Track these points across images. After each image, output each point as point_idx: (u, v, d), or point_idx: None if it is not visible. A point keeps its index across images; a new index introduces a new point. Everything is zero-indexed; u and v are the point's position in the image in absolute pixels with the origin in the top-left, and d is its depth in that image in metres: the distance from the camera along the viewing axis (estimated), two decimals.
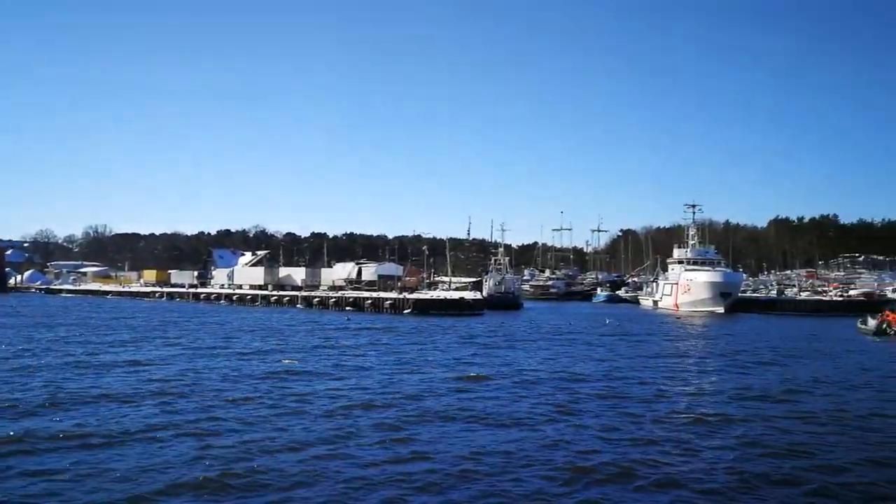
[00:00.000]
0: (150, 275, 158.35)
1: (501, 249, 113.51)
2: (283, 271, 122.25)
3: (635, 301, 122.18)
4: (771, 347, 44.68)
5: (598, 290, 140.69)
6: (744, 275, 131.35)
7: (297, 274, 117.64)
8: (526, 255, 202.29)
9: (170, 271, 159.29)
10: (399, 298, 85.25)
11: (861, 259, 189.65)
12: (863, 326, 57.30)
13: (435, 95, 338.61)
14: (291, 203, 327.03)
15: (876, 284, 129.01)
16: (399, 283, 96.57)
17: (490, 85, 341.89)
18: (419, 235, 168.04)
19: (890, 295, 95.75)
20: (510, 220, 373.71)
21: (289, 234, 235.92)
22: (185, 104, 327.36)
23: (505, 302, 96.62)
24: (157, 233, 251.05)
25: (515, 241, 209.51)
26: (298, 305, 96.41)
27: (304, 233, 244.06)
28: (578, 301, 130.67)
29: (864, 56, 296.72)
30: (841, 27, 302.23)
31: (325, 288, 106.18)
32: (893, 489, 14.38)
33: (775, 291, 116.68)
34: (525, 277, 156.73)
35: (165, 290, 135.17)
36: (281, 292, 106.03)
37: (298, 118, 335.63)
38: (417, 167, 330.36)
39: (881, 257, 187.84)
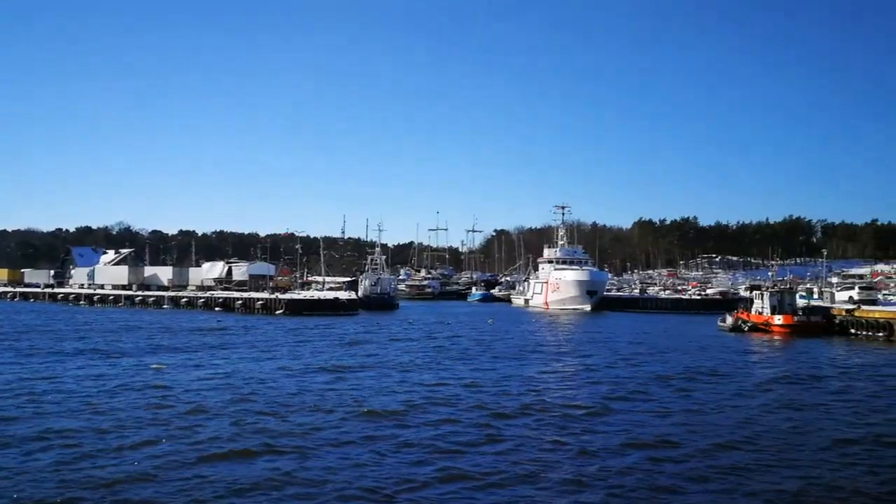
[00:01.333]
0: (0, 273, 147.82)
1: (377, 249, 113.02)
2: (149, 270, 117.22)
3: (508, 300, 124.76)
4: (652, 343, 47.29)
5: (473, 289, 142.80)
6: (609, 274, 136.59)
7: (164, 273, 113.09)
8: (402, 255, 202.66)
9: (23, 270, 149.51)
10: (271, 299, 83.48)
11: (717, 259, 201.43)
12: (722, 324, 61.91)
13: (309, 91, 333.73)
14: (158, 200, 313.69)
15: (730, 284, 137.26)
16: (271, 283, 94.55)
17: (364, 84, 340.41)
18: (292, 234, 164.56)
19: (742, 293, 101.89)
20: (386, 220, 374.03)
21: (155, 232, 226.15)
22: (33, 89, 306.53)
23: (381, 302, 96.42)
24: (9, 229, 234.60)
25: (391, 241, 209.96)
26: (165, 306, 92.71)
27: (171, 230, 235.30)
28: (454, 300, 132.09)
29: (722, 72, 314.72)
30: (699, 41, 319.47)
31: (194, 288, 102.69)
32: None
33: (639, 290, 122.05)
34: (401, 277, 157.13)
35: (18, 290, 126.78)
36: (146, 292, 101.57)
37: (166, 110, 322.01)
38: (291, 164, 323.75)
39: (735, 258, 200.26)
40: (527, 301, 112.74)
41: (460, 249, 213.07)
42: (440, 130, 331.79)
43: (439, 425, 20.16)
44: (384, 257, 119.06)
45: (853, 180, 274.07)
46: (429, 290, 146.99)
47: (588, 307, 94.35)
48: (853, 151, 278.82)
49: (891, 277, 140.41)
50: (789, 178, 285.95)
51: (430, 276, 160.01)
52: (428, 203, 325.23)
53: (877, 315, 53.64)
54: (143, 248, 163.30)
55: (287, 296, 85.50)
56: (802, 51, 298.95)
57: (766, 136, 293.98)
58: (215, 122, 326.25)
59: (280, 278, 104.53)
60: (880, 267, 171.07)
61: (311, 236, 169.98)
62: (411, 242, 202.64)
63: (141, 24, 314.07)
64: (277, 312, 79.04)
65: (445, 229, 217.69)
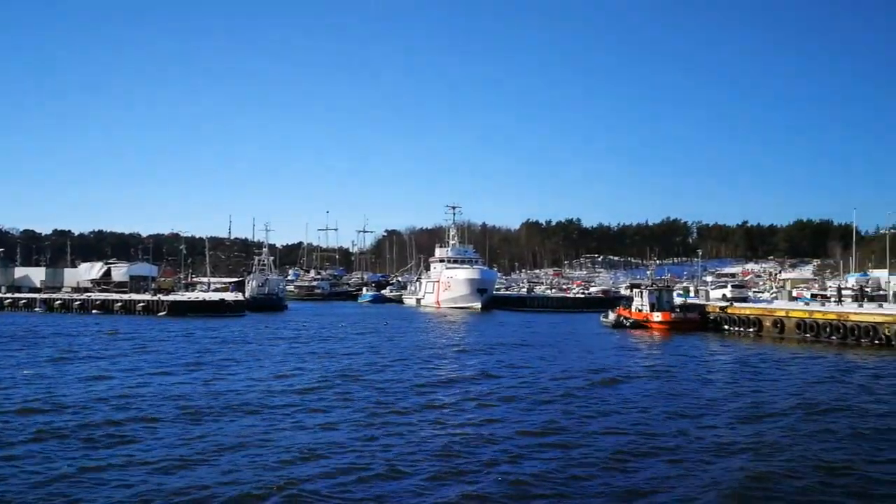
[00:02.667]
0: None
1: (265, 249, 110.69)
2: (20, 271, 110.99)
3: (400, 300, 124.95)
4: (542, 340, 48.15)
5: (364, 290, 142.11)
6: (498, 273, 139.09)
7: (36, 274, 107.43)
8: (291, 256, 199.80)
9: None
10: (153, 300, 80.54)
11: (600, 259, 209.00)
12: (604, 320, 64.67)
13: (193, 90, 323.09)
14: (30, 197, 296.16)
15: (612, 283, 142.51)
16: (153, 285, 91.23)
17: (248, 82, 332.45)
18: (177, 234, 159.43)
19: (623, 292, 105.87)
20: (274, 220, 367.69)
21: (27, 232, 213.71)
22: None
23: (268, 303, 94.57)
24: None
25: (280, 241, 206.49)
26: (37, 309, 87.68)
27: (44, 230, 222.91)
28: (344, 301, 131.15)
29: (606, 75, 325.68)
30: (581, 39, 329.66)
31: (69, 290, 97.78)
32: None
33: (526, 289, 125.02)
34: (290, 278, 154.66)
35: None
36: (16, 294, 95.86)
37: (38, 100, 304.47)
38: (175, 162, 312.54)
39: (616, 258, 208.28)
40: (419, 301, 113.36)
41: (351, 250, 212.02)
42: (328, 129, 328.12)
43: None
44: (272, 258, 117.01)
45: (726, 184, 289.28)
46: (318, 290, 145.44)
47: (478, 305, 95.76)
48: (726, 156, 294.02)
49: (760, 276, 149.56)
50: (667, 181, 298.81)
51: (319, 276, 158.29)
52: (317, 203, 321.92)
53: (747, 312, 56.87)
54: (13, 248, 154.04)
55: (170, 297, 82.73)
56: (682, 52, 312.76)
57: (645, 141, 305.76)
58: (93, 116, 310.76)
59: (163, 279, 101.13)
60: (750, 266, 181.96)
61: (197, 236, 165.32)
62: (300, 243, 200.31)
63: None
64: (160, 314, 76.39)
65: (335, 229, 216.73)
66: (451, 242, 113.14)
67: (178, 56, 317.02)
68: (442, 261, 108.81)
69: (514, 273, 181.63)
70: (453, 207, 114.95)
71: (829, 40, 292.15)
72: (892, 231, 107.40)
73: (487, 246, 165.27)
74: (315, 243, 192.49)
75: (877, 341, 42.91)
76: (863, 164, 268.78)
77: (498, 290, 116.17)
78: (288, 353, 40.01)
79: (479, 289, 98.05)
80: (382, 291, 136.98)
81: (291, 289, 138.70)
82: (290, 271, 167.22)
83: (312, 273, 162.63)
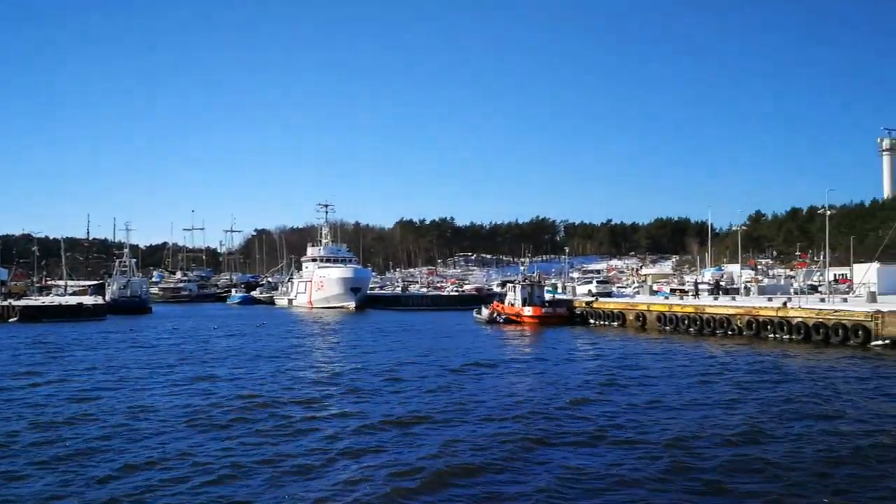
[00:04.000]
0: None
1: (126, 250, 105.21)
2: None
3: (271, 301, 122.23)
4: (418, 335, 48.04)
5: (233, 291, 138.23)
6: (373, 272, 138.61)
7: None
8: (155, 256, 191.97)
9: None
10: (2, 305, 75.00)
11: (473, 257, 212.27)
12: (478, 316, 65.71)
13: (49, 80, 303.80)
14: None
15: (485, 280, 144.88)
16: (3, 289, 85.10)
17: (105, 74, 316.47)
18: (28, 235, 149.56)
19: (496, 289, 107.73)
20: (136, 219, 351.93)
21: None
22: None
23: (131, 306, 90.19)
24: None
25: (143, 242, 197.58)
26: None
27: None
28: (212, 303, 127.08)
29: (478, 77, 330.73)
30: (447, 39, 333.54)
31: None
32: None
33: (401, 288, 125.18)
34: (154, 279, 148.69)
35: None
36: None
37: None
38: (26, 157, 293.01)
39: (489, 256, 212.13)
40: (291, 301, 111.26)
41: (219, 250, 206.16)
42: (192, 123, 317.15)
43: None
44: (134, 259, 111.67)
45: (591, 184, 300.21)
46: (185, 292, 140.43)
47: (353, 305, 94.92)
48: (594, 158, 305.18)
49: (623, 272, 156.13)
50: (536, 181, 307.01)
51: (186, 278, 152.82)
52: (182, 201, 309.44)
53: (611, 306, 59.42)
54: None
55: (22, 302, 77.37)
56: (548, 61, 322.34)
57: (514, 141, 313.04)
58: None
59: (14, 283, 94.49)
60: (614, 262, 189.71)
61: (51, 237, 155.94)
62: (165, 243, 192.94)
63: None
64: (11, 320, 71.20)
65: (202, 229, 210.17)
66: (324, 241, 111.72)
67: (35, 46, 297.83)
68: (314, 260, 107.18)
69: (389, 272, 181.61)
70: (326, 206, 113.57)
71: (692, 43, 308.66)
72: (744, 228, 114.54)
73: (361, 245, 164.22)
74: (181, 243, 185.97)
75: (730, 332, 45.58)
76: (717, 165, 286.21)
77: (372, 289, 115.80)
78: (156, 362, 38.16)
79: (353, 288, 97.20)
80: (252, 292, 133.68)
81: (156, 291, 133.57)
82: (155, 273, 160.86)
83: (179, 274, 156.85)
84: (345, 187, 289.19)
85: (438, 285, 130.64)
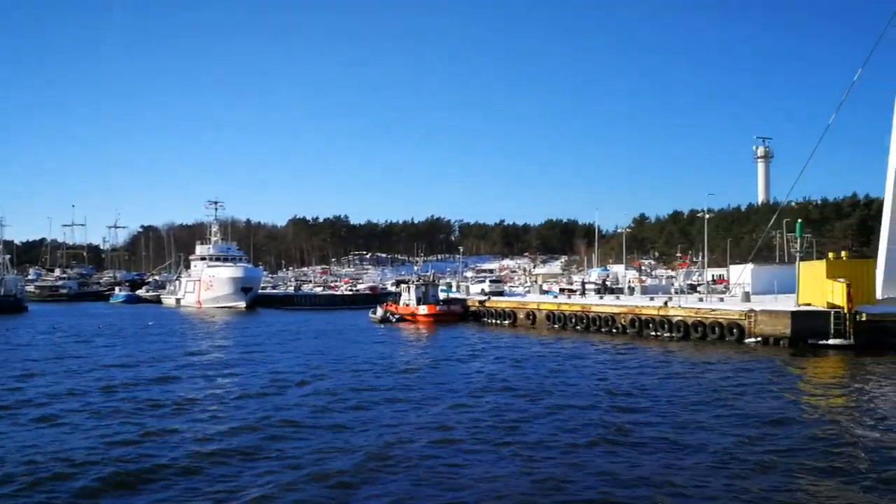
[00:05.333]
0: None
1: (0, 246, 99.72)
2: None
3: (157, 300, 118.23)
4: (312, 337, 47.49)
5: (117, 289, 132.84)
6: (264, 271, 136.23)
7: None
8: (31, 253, 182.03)
9: None
10: None
11: (368, 256, 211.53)
12: (373, 316, 65.55)
13: None
14: None
15: (379, 279, 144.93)
16: None
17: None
18: None
19: (390, 288, 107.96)
20: (10, 214, 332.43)
21: None
22: None
23: (5, 305, 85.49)
24: None
25: (18, 238, 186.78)
26: None
27: None
28: (93, 301, 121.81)
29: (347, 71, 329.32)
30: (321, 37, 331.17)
31: None
32: None
33: (294, 287, 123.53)
34: (30, 277, 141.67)
35: None
36: None
37: None
38: None
39: (384, 255, 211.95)
40: (178, 301, 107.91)
41: (102, 247, 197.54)
42: (77, 117, 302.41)
43: None
44: (8, 256, 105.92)
45: (484, 185, 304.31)
46: (64, 290, 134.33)
47: (243, 305, 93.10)
48: (487, 159, 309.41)
49: (515, 271, 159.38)
50: (430, 182, 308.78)
51: (65, 276, 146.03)
52: (61, 196, 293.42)
53: (503, 305, 60.73)
54: None
55: None
56: (437, 62, 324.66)
57: (408, 140, 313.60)
58: None
59: None
60: (506, 262, 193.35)
61: None
62: (43, 239, 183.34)
63: None
64: None
65: (83, 225, 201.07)
66: (213, 239, 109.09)
67: None
68: (203, 258, 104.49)
69: (281, 271, 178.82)
70: (215, 203, 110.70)
71: (592, 43, 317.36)
72: (629, 230, 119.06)
73: (252, 243, 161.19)
74: (60, 240, 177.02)
75: (614, 329, 47.42)
76: (604, 169, 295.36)
77: (264, 288, 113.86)
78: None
79: (244, 287, 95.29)
80: (138, 291, 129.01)
81: (32, 289, 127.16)
82: (31, 270, 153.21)
83: (58, 272, 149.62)
84: (236, 184, 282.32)
85: (332, 285, 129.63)
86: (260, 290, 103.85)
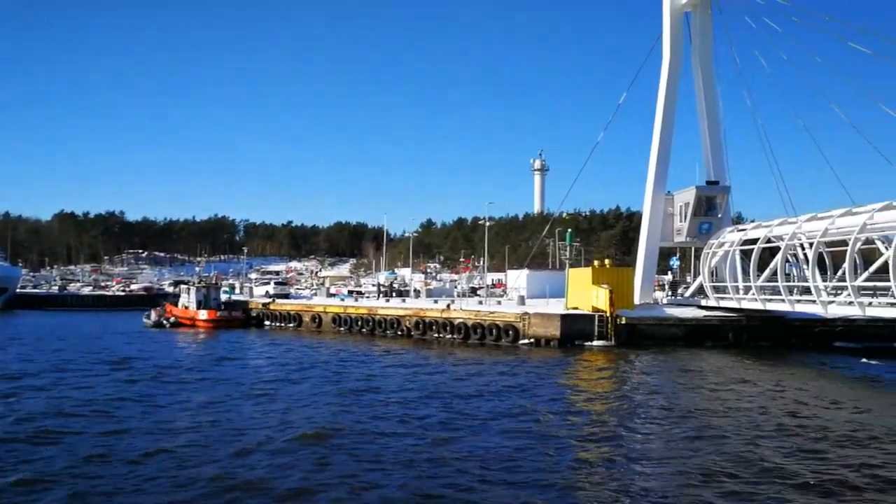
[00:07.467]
0: None
1: None
2: None
3: None
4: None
5: None
6: (24, 269, 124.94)
7: None
8: None
9: None
10: None
11: (144, 255, 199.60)
12: (147, 320, 61.44)
13: None
14: None
15: (157, 279, 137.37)
16: None
17: None
18: None
19: (168, 289, 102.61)
20: None
21: None
22: None
23: None
24: None
25: None
26: None
27: None
28: None
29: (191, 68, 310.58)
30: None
31: None
32: None
33: (59, 287, 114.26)
34: None
35: None
36: None
37: None
38: None
39: (163, 254, 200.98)
40: None
41: None
42: None
43: None
44: None
45: (272, 185, 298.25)
46: None
47: None
48: (273, 159, 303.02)
49: (302, 273, 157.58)
50: (214, 179, 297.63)
51: None
52: None
53: (289, 308, 59.71)
54: None
55: None
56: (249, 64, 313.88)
57: (194, 134, 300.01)
58: None
59: None
60: (294, 264, 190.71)
61: None
62: None
63: None
64: None
65: None
66: None
67: None
68: None
69: (45, 269, 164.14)
70: None
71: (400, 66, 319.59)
72: (416, 235, 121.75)
73: (10, 239, 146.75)
74: None
75: (399, 332, 48.16)
76: (393, 174, 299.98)
77: (24, 288, 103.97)
78: None
79: None
80: None
81: None
82: None
83: None
84: None
85: (103, 284, 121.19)
86: (18, 290, 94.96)
